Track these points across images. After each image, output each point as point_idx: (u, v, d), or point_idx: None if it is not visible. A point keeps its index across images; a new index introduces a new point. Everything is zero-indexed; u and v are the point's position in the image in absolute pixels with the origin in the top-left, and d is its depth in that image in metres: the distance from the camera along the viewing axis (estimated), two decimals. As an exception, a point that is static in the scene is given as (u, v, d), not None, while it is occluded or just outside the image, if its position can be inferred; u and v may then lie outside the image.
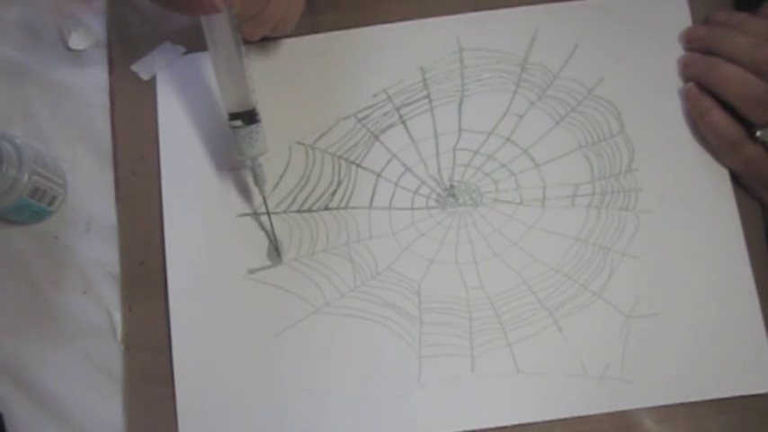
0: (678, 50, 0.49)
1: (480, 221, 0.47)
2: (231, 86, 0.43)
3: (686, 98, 0.47)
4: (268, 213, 0.47)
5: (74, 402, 0.46)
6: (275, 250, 0.47)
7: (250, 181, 0.47)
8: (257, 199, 0.48)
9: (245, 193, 0.48)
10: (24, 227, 0.49)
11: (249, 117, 0.44)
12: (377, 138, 0.48)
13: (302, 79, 0.50)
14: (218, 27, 0.41)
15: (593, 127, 0.48)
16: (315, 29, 0.50)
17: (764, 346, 0.44)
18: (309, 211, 0.48)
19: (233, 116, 0.44)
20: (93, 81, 0.51)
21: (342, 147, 0.48)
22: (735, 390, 0.44)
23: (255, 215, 0.48)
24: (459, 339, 0.45)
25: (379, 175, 0.48)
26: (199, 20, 0.41)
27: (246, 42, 0.43)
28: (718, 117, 0.46)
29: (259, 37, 0.45)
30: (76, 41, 0.51)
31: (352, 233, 0.47)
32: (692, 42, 0.48)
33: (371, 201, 0.48)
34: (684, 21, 0.49)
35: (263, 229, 0.47)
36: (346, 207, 0.48)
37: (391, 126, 0.49)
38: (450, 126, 0.49)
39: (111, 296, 0.47)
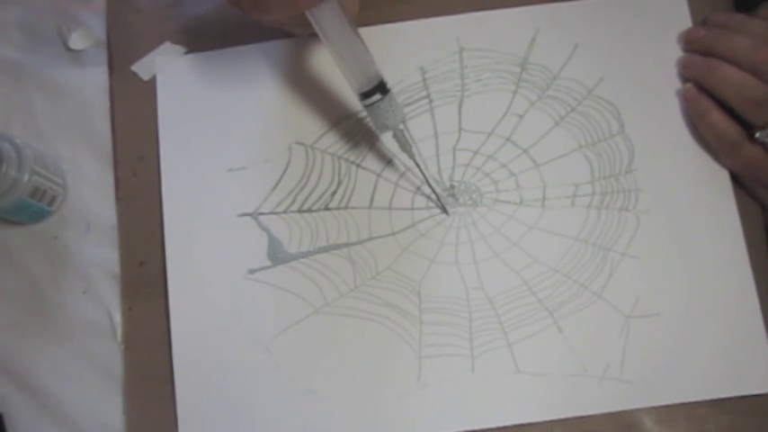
0: (678, 51, 0.49)
1: (480, 221, 0.47)
2: (358, 66, 0.42)
3: (685, 99, 0.47)
4: (422, 171, 0.46)
5: (74, 402, 0.46)
6: (442, 208, 0.46)
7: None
8: (259, 198, 0.48)
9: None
10: (24, 227, 0.49)
11: (382, 88, 0.43)
12: (377, 138, 0.48)
13: (302, 79, 0.50)
14: (330, 12, 0.40)
15: (593, 127, 0.48)
16: (315, 29, 0.50)
17: (764, 346, 0.44)
18: (309, 211, 0.48)
19: (366, 95, 0.43)
20: (93, 81, 0.51)
21: (342, 147, 0.48)
22: (735, 390, 0.44)
23: (255, 215, 0.48)
24: (459, 339, 0.45)
25: (379, 176, 0.48)
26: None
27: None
28: (718, 118, 0.46)
29: None
30: (76, 41, 0.51)
31: (352, 233, 0.47)
32: (691, 44, 0.48)
33: (371, 201, 0.48)
34: (684, 22, 0.49)
35: (265, 227, 0.47)
36: (346, 207, 0.48)
37: (391, 126, 0.49)
38: (450, 126, 0.49)
39: (111, 296, 0.47)
